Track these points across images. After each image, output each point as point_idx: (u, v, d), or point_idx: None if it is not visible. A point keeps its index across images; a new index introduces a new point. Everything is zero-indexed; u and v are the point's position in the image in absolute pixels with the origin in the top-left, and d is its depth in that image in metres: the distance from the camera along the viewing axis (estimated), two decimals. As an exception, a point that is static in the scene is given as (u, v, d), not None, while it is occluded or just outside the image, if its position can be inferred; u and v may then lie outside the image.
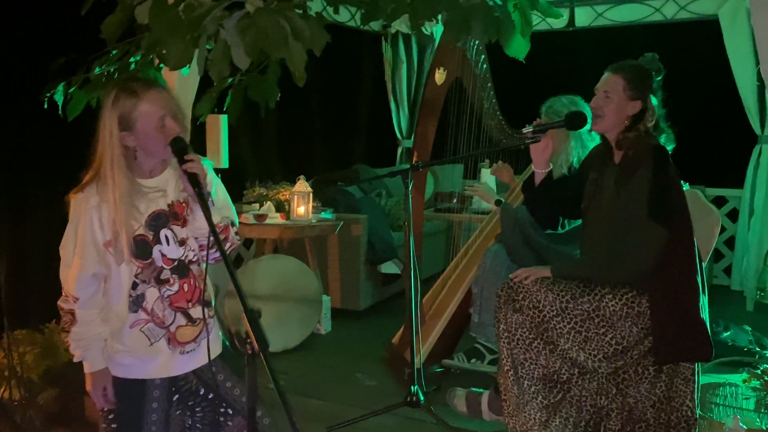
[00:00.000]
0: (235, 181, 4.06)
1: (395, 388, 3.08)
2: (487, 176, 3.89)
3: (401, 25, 5.07)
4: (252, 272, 3.62)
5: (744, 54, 4.41)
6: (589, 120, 2.36)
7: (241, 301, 1.63)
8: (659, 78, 2.35)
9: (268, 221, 3.71)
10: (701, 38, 4.83)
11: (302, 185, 3.75)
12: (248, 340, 1.61)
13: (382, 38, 5.69)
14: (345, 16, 4.87)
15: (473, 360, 3.08)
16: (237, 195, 4.00)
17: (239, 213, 3.79)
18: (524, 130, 2.43)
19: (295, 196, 3.74)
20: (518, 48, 2.43)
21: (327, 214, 3.92)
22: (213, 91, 2.17)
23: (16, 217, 3.61)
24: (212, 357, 1.92)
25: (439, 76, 3.04)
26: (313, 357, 3.59)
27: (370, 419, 2.73)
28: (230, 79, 2.26)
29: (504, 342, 2.35)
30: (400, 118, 5.94)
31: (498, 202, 3.11)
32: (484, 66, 3.04)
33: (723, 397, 2.70)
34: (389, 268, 4.16)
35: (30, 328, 3.16)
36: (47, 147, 3.46)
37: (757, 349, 3.41)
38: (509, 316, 2.34)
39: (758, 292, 4.30)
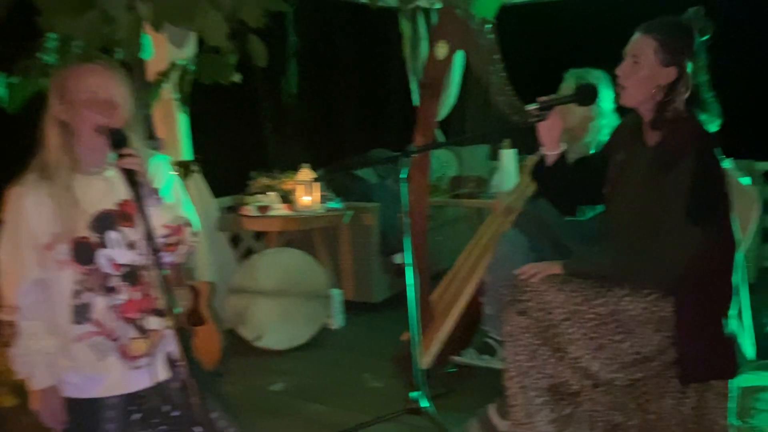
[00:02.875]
0: (240, 171, 3.88)
1: (403, 391, 2.84)
2: (507, 158, 3.59)
3: (421, -1, 4.77)
4: (255, 267, 3.44)
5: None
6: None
7: (173, 319, 1.42)
8: (705, 38, 1.94)
9: (271, 213, 3.51)
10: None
11: (306, 173, 3.53)
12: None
13: (399, 14, 5.38)
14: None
15: (484, 356, 2.83)
16: (241, 186, 3.81)
17: (242, 205, 3.62)
18: (529, 108, 2.13)
19: (299, 186, 3.52)
20: (484, 4, 2.09)
21: (335, 204, 3.70)
22: (162, 75, 1.96)
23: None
24: (170, 371, 1.73)
25: (440, 49, 2.76)
26: (321, 355, 3.39)
27: (369, 428, 2.51)
28: (182, 61, 2.04)
29: (509, 346, 2.09)
30: (422, 98, 5.64)
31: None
32: (490, 35, 2.73)
33: (766, 401, 2.38)
34: (403, 258, 3.90)
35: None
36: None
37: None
38: (513, 318, 2.06)
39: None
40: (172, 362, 1.74)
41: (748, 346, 1.96)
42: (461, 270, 3.08)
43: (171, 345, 1.78)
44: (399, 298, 4.18)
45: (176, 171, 3.05)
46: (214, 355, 3.07)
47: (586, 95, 2.06)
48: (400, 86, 5.63)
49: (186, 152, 3.26)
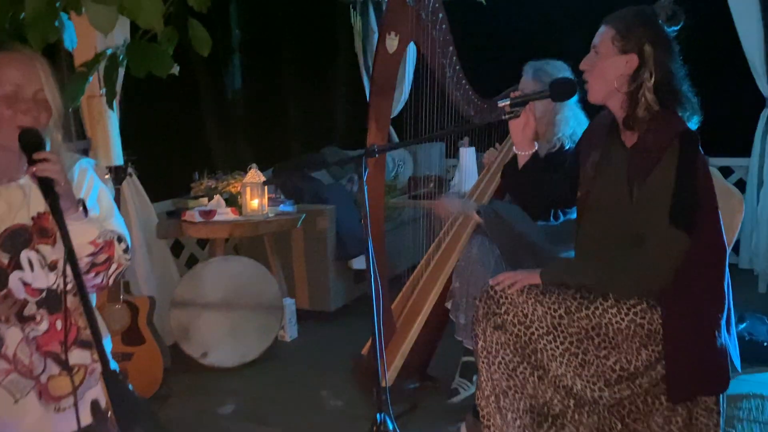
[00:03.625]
0: (181, 172, 3.59)
1: (364, 410, 2.65)
2: (467, 156, 3.43)
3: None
4: (199, 277, 3.16)
5: (749, 7, 3.93)
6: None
7: (102, 363, 1.17)
8: (675, 28, 1.83)
9: (216, 218, 3.24)
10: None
11: (254, 175, 3.28)
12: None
13: (350, 7, 5.17)
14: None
15: (474, 378, 2.65)
16: (183, 188, 3.52)
17: (184, 209, 3.34)
18: (500, 104, 1.95)
19: (247, 188, 3.27)
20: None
21: (287, 207, 3.46)
22: (87, 66, 1.70)
23: None
24: (98, 412, 1.48)
25: (391, 42, 2.56)
26: (274, 371, 3.15)
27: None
28: (109, 51, 1.78)
29: (483, 363, 1.91)
30: (374, 94, 5.45)
31: (480, 212, 2.60)
32: (444, 26, 2.55)
33: (747, 410, 2.28)
34: (362, 263, 3.71)
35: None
36: None
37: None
38: (489, 333, 1.89)
39: (773, 273, 3.87)
40: (98, 405, 1.48)
41: (736, 357, 1.84)
42: (424, 276, 2.89)
43: (98, 383, 1.53)
44: (356, 306, 3.99)
45: (105, 177, 2.78)
46: (155, 377, 2.79)
47: (563, 90, 1.90)
48: (351, 81, 5.42)
49: (117, 155, 2.92)
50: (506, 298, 1.90)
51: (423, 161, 5.17)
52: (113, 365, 1.31)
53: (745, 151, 4.36)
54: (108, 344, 1.56)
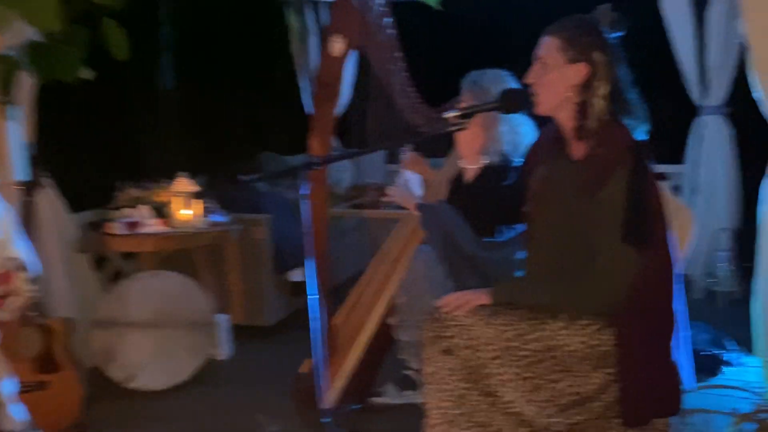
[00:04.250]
0: (105, 181, 3.33)
1: (304, 435, 2.50)
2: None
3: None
4: (124, 295, 2.94)
5: (682, 14, 4.00)
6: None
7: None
8: (618, 35, 1.79)
9: (142, 230, 3.02)
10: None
11: (184, 184, 3.07)
12: None
13: (287, 6, 4.98)
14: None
15: (406, 392, 2.54)
16: (106, 198, 3.27)
17: (107, 221, 3.10)
18: (446, 115, 1.85)
19: (176, 198, 3.06)
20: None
21: (220, 217, 3.26)
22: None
23: None
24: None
25: (336, 46, 2.43)
26: (207, 393, 2.95)
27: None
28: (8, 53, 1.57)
29: (431, 390, 1.80)
30: (313, 97, 5.29)
31: (420, 206, 2.51)
32: (390, 31, 2.45)
33: (692, 426, 2.25)
34: (299, 275, 3.55)
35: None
36: None
37: (717, 351, 3.01)
38: (437, 359, 1.78)
39: (708, 279, 3.95)
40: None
41: (688, 376, 1.79)
42: (367, 290, 2.76)
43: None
44: (295, 319, 3.82)
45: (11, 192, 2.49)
46: (73, 407, 2.56)
47: (515, 101, 1.81)
48: (289, 83, 5.23)
49: (19, 168, 2.60)
50: (454, 320, 1.79)
51: (365, 166, 5.05)
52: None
53: (678, 159, 4.45)
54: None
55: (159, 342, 2.96)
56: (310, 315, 1.98)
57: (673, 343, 1.75)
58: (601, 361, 1.70)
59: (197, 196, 2.87)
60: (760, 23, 2.03)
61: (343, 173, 5.05)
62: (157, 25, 4.38)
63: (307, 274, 2.52)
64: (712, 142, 4.13)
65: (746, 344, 2.93)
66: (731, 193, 4.12)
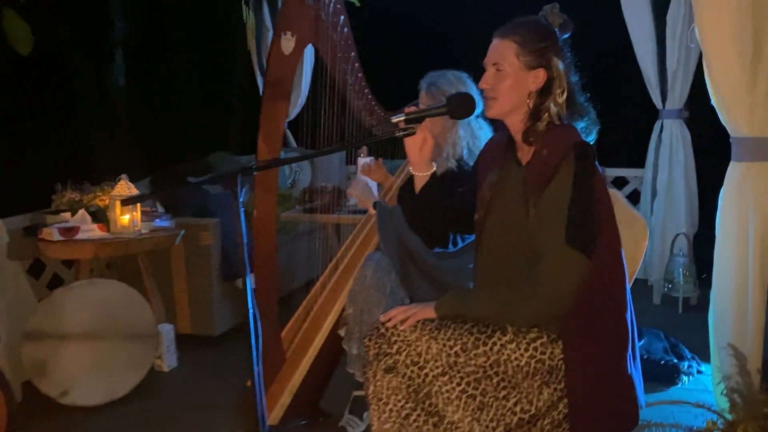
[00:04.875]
0: (42, 183, 3.15)
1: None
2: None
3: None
4: (59, 304, 2.76)
5: (643, 21, 3.98)
6: (480, 104, 1.73)
7: None
8: (566, 36, 1.74)
9: (80, 236, 2.85)
10: (597, 3, 4.34)
11: (125, 187, 2.91)
12: None
13: (243, 2, 4.83)
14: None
15: (366, 414, 2.42)
16: (44, 202, 3.09)
17: (42, 226, 2.92)
18: (394, 119, 1.74)
19: (117, 202, 2.89)
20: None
21: (164, 221, 3.10)
22: None
23: None
24: None
25: (286, 43, 2.31)
26: (149, 407, 2.79)
27: None
28: None
29: (374, 411, 1.70)
30: (270, 96, 5.14)
31: (376, 205, 2.43)
32: (345, 29, 2.35)
33: (648, 438, 2.19)
34: (251, 282, 3.40)
35: None
36: None
37: (675, 360, 2.96)
38: (380, 377, 1.68)
39: (666, 284, 3.92)
40: None
41: (641, 391, 1.72)
42: (319, 300, 2.64)
43: None
44: (245, 328, 3.63)
45: None
46: (0, 425, 2.38)
47: (461, 106, 1.72)
48: (245, 81, 5.07)
49: None
50: (398, 336, 1.69)
51: (322, 167, 4.93)
52: None
53: (640, 163, 4.43)
54: None
55: (97, 355, 2.79)
56: (251, 330, 1.85)
57: (629, 355, 1.67)
58: (550, 376, 1.62)
59: (141, 199, 2.71)
60: (712, 31, 1.98)
61: (301, 173, 4.93)
62: (102, 19, 4.18)
63: (248, 285, 2.42)
64: (670, 147, 4.11)
65: (704, 352, 2.89)
66: (689, 198, 4.11)
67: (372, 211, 2.47)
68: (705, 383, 2.82)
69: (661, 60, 4.01)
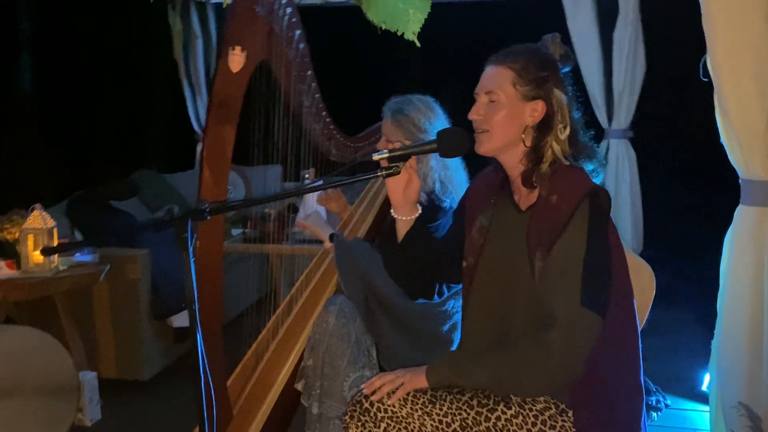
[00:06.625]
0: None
1: None
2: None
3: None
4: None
5: (589, 40, 3.93)
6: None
7: None
8: (567, 69, 1.57)
9: (-17, 277, 2.44)
10: (542, 19, 4.27)
11: (39, 219, 2.52)
12: None
13: (169, 6, 4.45)
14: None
15: None
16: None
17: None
18: (376, 157, 1.51)
19: (29, 235, 2.50)
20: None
21: (85, 256, 2.73)
22: None
23: None
24: None
25: (236, 59, 2.02)
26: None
27: None
28: None
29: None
30: (198, 107, 4.80)
31: (333, 237, 2.19)
32: (301, 45, 2.10)
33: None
34: (184, 320, 3.06)
35: None
36: None
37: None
38: (364, 460, 1.44)
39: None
40: None
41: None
42: (270, 345, 2.35)
43: None
44: (177, 370, 3.30)
45: None
46: None
47: (455, 144, 1.51)
48: (170, 92, 4.68)
49: None
50: (385, 411, 1.46)
51: (256, 185, 4.62)
52: None
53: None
54: None
55: (6, 415, 2.39)
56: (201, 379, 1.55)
57: (643, 421, 1.52)
58: (563, 454, 1.43)
59: (68, 248, 2.33)
60: (729, 69, 1.85)
61: (233, 192, 4.60)
62: (12, 20, 3.70)
63: (197, 322, 2.08)
64: (616, 167, 4.10)
65: (660, 379, 2.82)
66: (635, 219, 4.11)
67: (328, 245, 2.23)
68: (674, 418, 2.75)
69: (608, 79, 3.98)
